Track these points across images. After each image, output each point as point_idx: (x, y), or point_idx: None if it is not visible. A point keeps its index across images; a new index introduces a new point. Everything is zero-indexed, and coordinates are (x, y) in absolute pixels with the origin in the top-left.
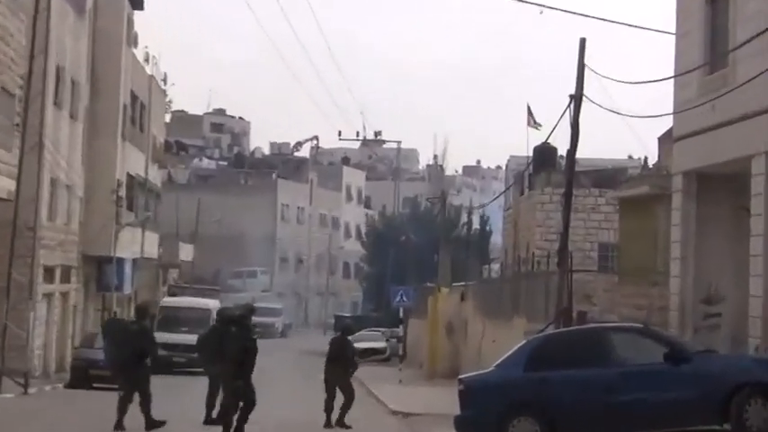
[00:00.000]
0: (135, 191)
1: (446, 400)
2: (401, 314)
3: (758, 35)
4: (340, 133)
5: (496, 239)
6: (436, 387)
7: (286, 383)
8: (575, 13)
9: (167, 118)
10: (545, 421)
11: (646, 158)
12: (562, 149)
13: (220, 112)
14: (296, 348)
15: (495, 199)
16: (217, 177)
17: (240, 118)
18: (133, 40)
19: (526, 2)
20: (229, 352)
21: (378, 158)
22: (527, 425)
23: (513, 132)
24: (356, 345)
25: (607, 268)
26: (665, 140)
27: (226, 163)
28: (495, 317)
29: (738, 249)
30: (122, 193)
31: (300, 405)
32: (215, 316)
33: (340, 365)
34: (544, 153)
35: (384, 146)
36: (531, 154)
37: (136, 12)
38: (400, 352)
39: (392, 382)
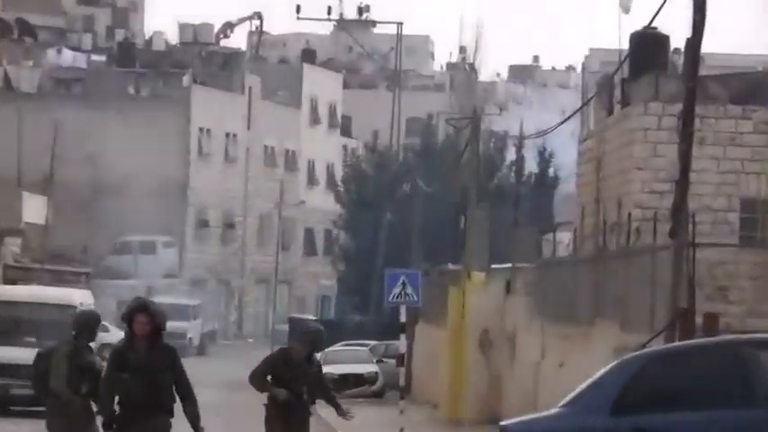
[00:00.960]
0: None
1: None
2: (402, 318)
3: None
4: (299, 9)
5: (566, 191)
6: None
7: None
8: None
9: None
10: None
11: None
12: (678, 39)
13: None
14: (219, 377)
15: (563, 122)
16: (88, 83)
17: None
18: None
19: None
20: (102, 387)
21: (364, 53)
22: None
23: (593, 13)
24: (328, 369)
25: (755, 240)
26: None
27: (103, 58)
28: (563, 323)
29: None
30: None
31: None
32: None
33: (295, 414)
34: (647, 44)
35: (374, 30)
36: (625, 46)
37: None
38: (401, 381)
39: (389, 431)
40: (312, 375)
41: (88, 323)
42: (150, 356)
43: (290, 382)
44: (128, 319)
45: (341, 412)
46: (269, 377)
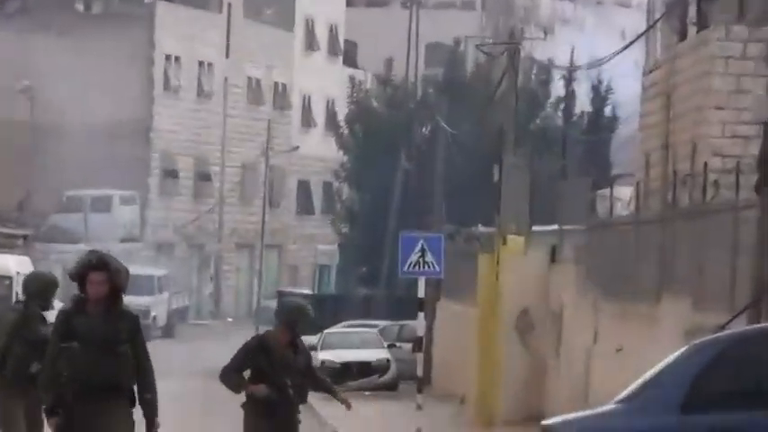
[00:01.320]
0: None
1: None
2: (420, 292)
3: None
4: None
5: (627, 135)
6: None
7: None
8: None
9: None
10: None
11: None
12: None
13: None
14: (189, 365)
15: (624, 49)
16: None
17: None
18: None
19: None
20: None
21: None
22: None
23: None
24: (327, 356)
25: None
26: None
27: None
28: (621, 298)
29: None
30: None
31: None
32: (23, 288)
33: (280, 413)
34: None
35: None
36: None
37: None
38: (419, 371)
39: (403, 431)
40: (298, 366)
41: (46, 287)
42: (106, 323)
43: (272, 375)
44: (79, 277)
45: (339, 399)
46: (248, 371)
